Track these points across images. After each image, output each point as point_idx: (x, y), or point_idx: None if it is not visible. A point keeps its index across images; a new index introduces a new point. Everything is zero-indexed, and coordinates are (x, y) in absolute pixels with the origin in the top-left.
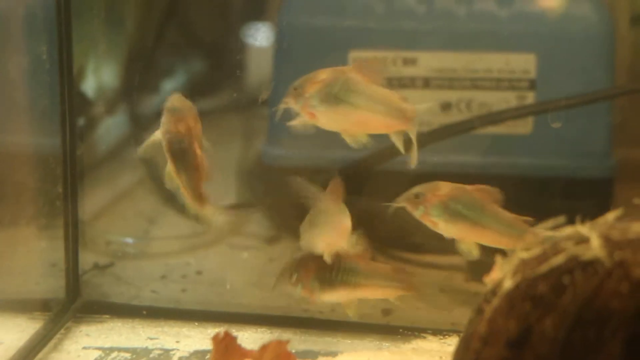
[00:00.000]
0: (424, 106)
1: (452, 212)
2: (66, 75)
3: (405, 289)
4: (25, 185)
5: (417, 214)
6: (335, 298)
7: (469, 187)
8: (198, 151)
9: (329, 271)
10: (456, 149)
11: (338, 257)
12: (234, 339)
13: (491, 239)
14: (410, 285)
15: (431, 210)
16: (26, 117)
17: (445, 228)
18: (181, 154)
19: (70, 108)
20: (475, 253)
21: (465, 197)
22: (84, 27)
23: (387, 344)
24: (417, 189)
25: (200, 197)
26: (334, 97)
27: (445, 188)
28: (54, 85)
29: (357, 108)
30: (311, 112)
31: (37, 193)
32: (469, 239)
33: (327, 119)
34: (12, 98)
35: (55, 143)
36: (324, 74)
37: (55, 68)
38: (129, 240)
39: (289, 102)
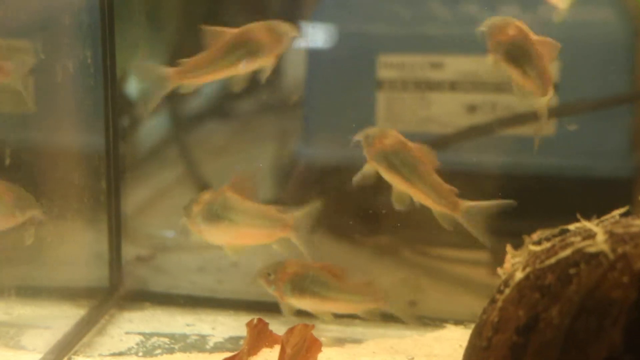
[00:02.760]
0: (303, 212)
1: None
2: (109, 78)
3: (374, 303)
4: (72, 181)
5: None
6: (304, 306)
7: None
8: None
9: (303, 280)
10: (481, 149)
11: (313, 268)
12: (266, 325)
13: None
14: (379, 299)
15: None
16: (73, 118)
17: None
18: None
19: (114, 109)
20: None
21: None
22: (127, 32)
23: (410, 333)
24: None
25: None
26: (215, 215)
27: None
28: (98, 88)
29: (236, 224)
30: (198, 228)
31: (82, 188)
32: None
33: (211, 235)
34: (60, 100)
35: (100, 142)
36: (206, 195)
37: (99, 71)
38: (169, 233)
39: (184, 220)
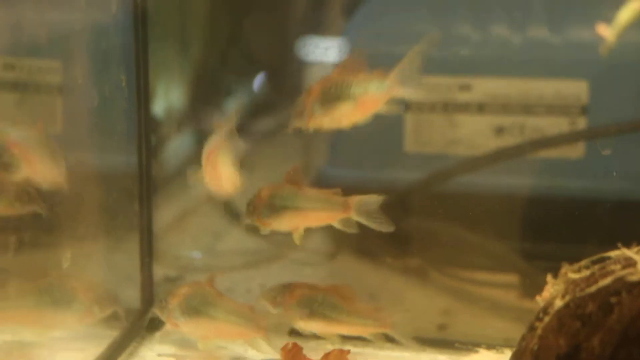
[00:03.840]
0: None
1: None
2: (143, 100)
3: (381, 327)
4: (107, 202)
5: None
6: (313, 328)
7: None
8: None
9: (312, 302)
10: (509, 172)
11: (322, 290)
12: (301, 349)
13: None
14: (386, 324)
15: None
16: (108, 140)
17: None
18: None
19: (147, 131)
20: None
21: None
22: (156, 54)
23: (442, 357)
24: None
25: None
26: (193, 309)
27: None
28: (132, 110)
29: (214, 319)
30: (175, 322)
31: (116, 210)
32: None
33: (189, 328)
34: (97, 123)
35: (133, 163)
36: (184, 289)
37: (132, 94)
38: (197, 254)
39: (157, 312)
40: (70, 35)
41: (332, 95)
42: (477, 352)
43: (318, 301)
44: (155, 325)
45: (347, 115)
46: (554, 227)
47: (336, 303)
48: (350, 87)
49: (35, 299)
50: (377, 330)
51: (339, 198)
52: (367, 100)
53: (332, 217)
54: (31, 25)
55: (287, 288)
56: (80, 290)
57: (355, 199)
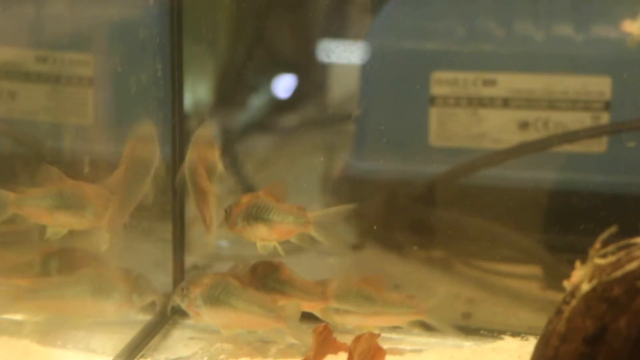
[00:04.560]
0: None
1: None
2: (177, 90)
3: (418, 315)
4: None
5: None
6: (350, 323)
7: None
8: (204, 181)
9: (346, 296)
10: (534, 165)
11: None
12: (331, 332)
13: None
14: (422, 311)
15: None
16: None
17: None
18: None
19: (180, 121)
20: None
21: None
22: (186, 49)
23: (468, 344)
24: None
25: (205, 222)
26: (215, 298)
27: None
28: (167, 100)
29: (236, 309)
30: (196, 311)
31: (148, 198)
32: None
33: (210, 317)
34: (134, 111)
35: (167, 152)
36: (206, 278)
37: (168, 84)
38: (224, 243)
39: (177, 300)
40: (108, 25)
41: (253, 215)
42: (502, 339)
43: (352, 294)
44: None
45: (262, 235)
46: (577, 220)
47: (370, 294)
48: (270, 212)
49: (76, 288)
50: (414, 318)
51: (301, 214)
52: (282, 228)
53: (291, 232)
54: (71, 19)
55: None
56: (120, 280)
57: (314, 214)
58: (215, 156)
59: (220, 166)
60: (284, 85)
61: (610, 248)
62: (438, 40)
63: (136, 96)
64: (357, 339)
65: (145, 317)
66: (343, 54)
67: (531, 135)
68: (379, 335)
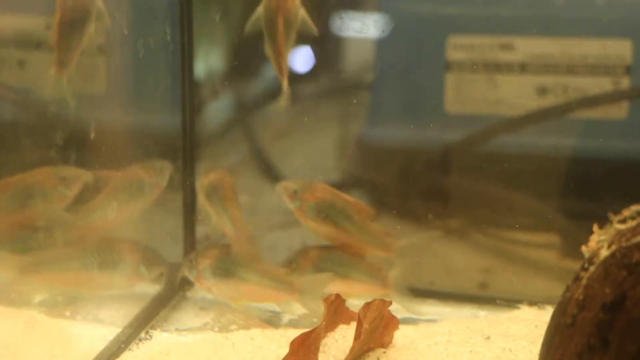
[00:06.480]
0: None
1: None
2: (187, 55)
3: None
4: (151, 158)
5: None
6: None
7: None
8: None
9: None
10: (552, 131)
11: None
12: (343, 301)
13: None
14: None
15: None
16: (153, 94)
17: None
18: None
19: (190, 87)
20: None
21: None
22: (198, 15)
23: (483, 313)
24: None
25: (280, 71)
26: (225, 270)
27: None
28: (176, 65)
29: (246, 281)
30: (205, 283)
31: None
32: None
33: (219, 289)
34: (141, 76)
35: (177, 119)
36: (215, 250)
37: (177, 49)
38: None
39: (185, 272)
40: None
41: (224, 270)
42: (518, 308)
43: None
44: None
45: (233, 291)
46: (596, 187)
47: (346, 259)
48: (247, 269)
49: (83, 260)
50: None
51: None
52: (259, 290)
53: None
54: None
55: (301, 254)
56: (127, 252)
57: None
58: (295, 3)
59: (302, 12)
60: (299, 54)
61: (630, 213)
62: (454, 3)
63: (144, 60)
64: (367, 305)
65: (156, 288)
66: (358, 20)
67: (549, 101)
68: (390, 302)
